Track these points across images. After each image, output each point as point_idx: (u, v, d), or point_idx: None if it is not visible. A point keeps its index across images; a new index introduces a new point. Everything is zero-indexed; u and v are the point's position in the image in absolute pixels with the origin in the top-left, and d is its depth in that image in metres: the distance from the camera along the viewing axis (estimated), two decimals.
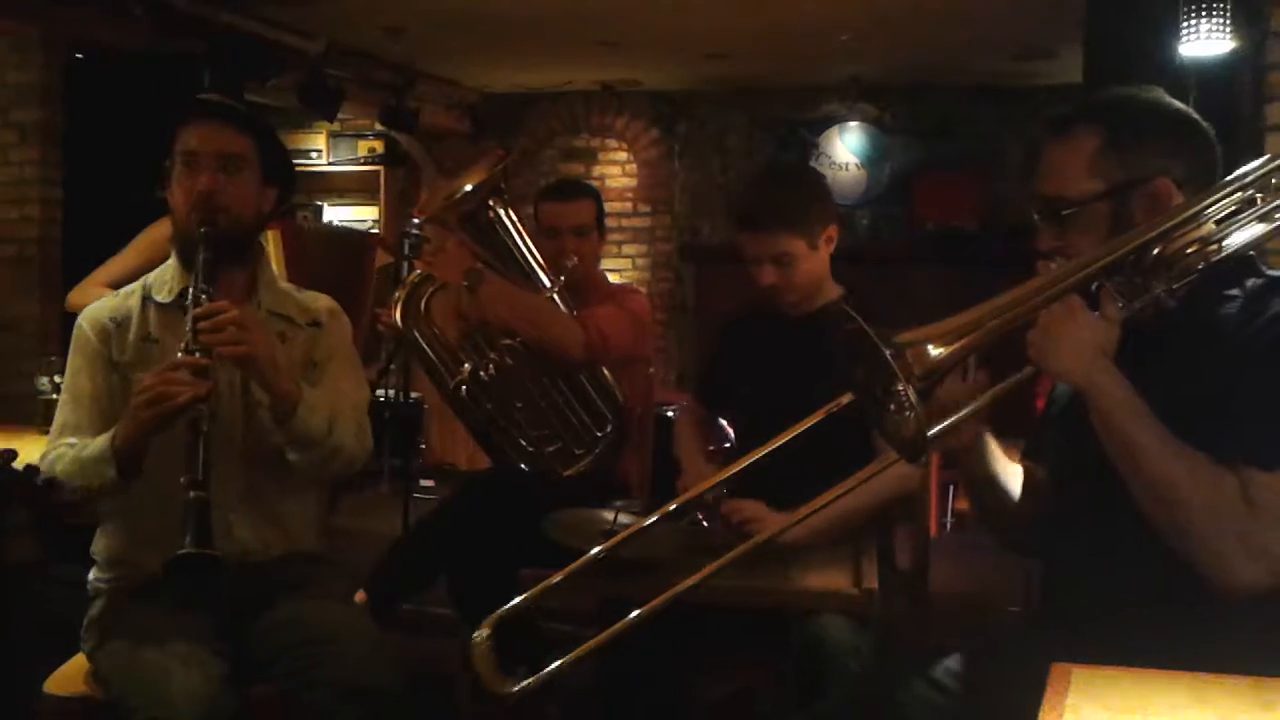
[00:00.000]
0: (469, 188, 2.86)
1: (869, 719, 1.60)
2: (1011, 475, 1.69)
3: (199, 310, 1.93)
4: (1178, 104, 1.58)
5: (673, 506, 1.72)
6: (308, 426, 2.00)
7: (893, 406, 1.37)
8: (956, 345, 1.38)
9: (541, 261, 2.96)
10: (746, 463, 1.66)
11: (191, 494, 1.80)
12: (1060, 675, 1.20)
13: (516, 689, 1.48)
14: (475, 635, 1.50)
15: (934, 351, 1.36)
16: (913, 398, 1.32)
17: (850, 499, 2.07)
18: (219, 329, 1.91)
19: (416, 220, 3.69)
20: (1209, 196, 1.47)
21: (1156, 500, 1.38)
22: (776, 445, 1.62)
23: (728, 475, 1.80)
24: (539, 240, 3.03)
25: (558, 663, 1.49)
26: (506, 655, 1.46)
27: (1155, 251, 1.44)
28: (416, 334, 2.94)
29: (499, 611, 1.54)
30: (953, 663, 1.64)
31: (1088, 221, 1.52)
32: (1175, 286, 1.44)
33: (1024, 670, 1.30)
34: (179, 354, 1.92)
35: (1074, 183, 1.53)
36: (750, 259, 2.39)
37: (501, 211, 2.91)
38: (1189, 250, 1.45)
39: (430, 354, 2.95)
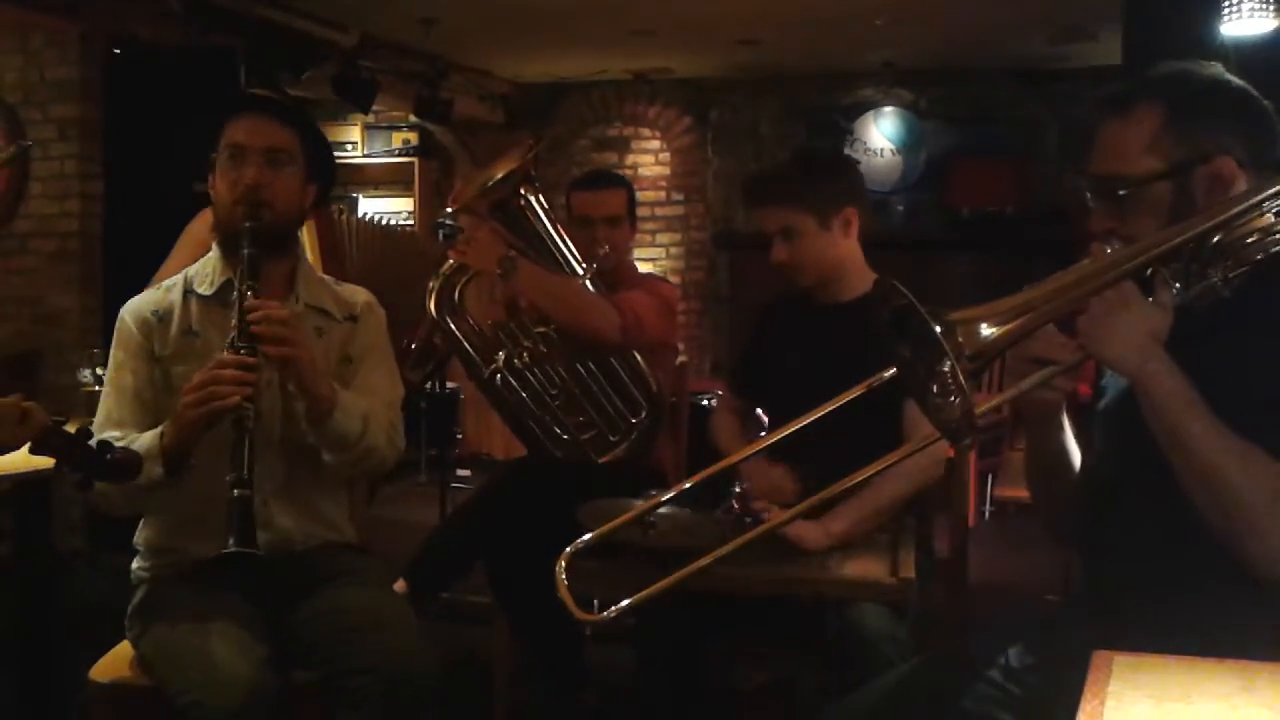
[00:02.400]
0: (500, 176, 2.87)
1: (907, 707, 1.60)
2: (1074, 451, 1.63)
3: (249, 305, 1.95)
4: (1238, 81, 1.52)
5: (698, 480, 1.74)
6: (342, 429, 2.02)
7: (937, 387, 1.35)
8: (1010, 326, 1.34)
9: (573, 248, 2.97)
10: (774, 439, 1.67)
11: (236, 492, 1.81)
12: (1102, 663, 1.19)
13: (596, 618, 1.52)
14: (557, 568, 1.54)
15: (986, 331, 1.33)
16: (961, 378, 1.29)
17: (884, 488, 2.07)
18: (268, 329, 1.93)
19: (450, 210, 3.70)
20: (1273, 186, 1.42)
21: (1208, 493, 1.35)
22: (806, 422, 1.61)
23: (751, 453, 1.80)
24: (571, 230, 3.04)
25: (633, 598, 1.53)
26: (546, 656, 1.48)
27: (1215, 240, 1.39)
28: (450, 324, 2.96)
29: (577, 543, 1.59)
30: (993, 651, 1.62)
31: (1147, 201, 1.47)
32: (1232, 275, 1.39)
33: (1065, 658, 1.29)
34: (224, 351, 1.94)
35: (1133, 161, 1.48)
36: (767, 237, 2.38)
37: (533, 199, 2.92)
38: (1249, 239, 1.40)
39: (464, 343, 2.96)
